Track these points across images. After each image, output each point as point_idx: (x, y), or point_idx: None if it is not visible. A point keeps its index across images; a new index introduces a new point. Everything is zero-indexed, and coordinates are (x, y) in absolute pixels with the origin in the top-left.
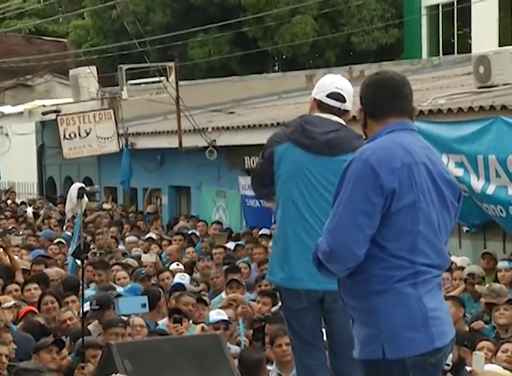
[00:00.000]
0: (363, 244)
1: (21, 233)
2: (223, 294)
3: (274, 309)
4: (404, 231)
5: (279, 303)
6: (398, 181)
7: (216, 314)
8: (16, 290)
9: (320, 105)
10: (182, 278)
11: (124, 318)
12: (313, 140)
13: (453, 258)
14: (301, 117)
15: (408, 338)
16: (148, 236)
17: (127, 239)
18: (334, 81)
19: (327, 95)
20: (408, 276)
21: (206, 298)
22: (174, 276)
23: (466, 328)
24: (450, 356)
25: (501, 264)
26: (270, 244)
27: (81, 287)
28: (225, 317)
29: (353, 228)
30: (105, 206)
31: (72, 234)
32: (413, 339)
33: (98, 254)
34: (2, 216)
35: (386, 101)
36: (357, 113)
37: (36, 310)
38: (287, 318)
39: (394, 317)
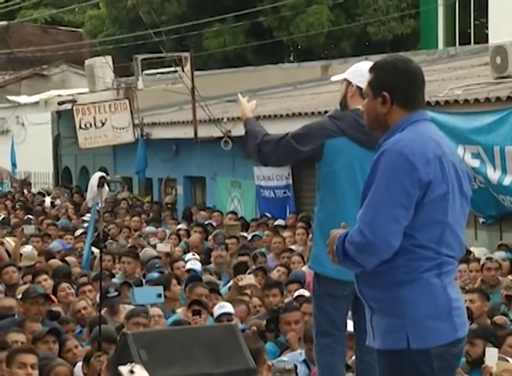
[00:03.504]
0: (399, 235)
1: (34, 222)
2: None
3: (287, 299)
4: (434, 222)
5: (316, 288)
6: (433, 172)
7: (218, 308)
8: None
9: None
10: (193, 264)
11: None
12: (370, 136)
13: (471, 249)
14: (352, 111)
15: (433, 327)
16: (179, 227)
17: (146, 229)
18: None
19: None
20: (434, 266)
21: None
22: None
23: (489, 321)
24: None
25: None
26: (286, 233)
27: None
28: (229, 310)
29: (391, 219)
30: (122, 195)
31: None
32: (438, 329)
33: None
34: (18, 207)
35: (419, 91)
36: (379, 98)
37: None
38: (323, 303)
39: (420, 307)
